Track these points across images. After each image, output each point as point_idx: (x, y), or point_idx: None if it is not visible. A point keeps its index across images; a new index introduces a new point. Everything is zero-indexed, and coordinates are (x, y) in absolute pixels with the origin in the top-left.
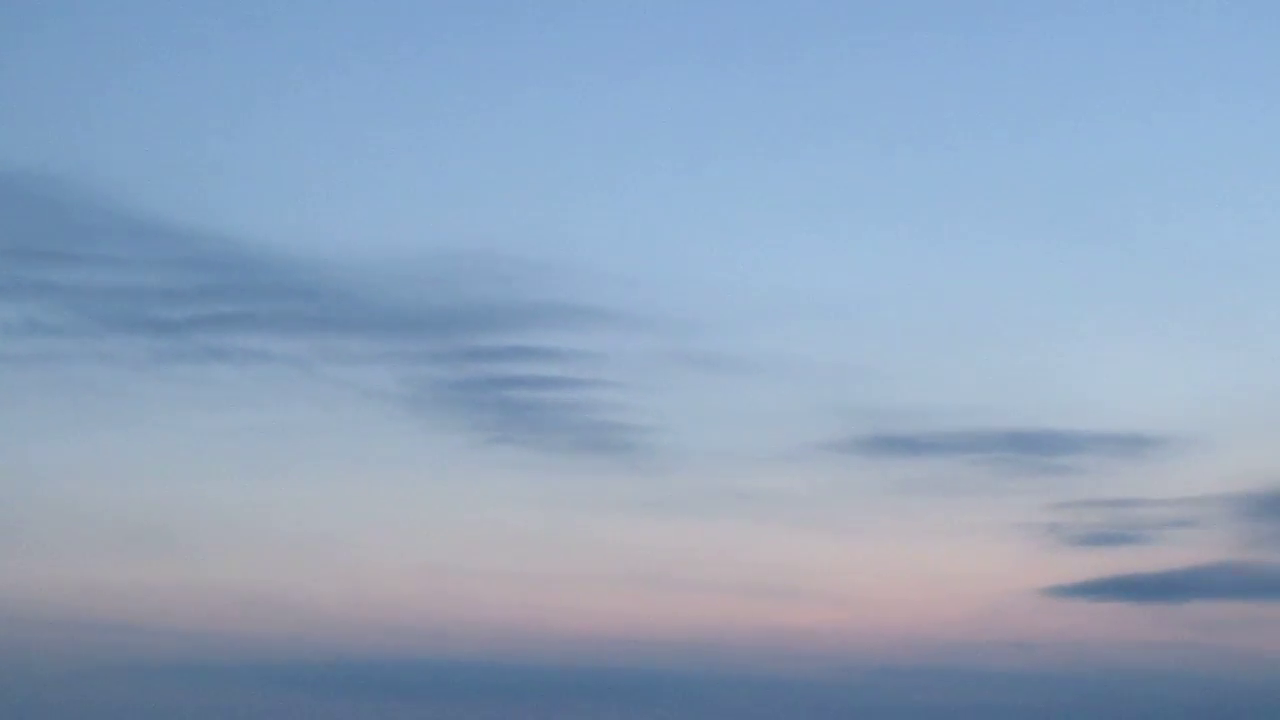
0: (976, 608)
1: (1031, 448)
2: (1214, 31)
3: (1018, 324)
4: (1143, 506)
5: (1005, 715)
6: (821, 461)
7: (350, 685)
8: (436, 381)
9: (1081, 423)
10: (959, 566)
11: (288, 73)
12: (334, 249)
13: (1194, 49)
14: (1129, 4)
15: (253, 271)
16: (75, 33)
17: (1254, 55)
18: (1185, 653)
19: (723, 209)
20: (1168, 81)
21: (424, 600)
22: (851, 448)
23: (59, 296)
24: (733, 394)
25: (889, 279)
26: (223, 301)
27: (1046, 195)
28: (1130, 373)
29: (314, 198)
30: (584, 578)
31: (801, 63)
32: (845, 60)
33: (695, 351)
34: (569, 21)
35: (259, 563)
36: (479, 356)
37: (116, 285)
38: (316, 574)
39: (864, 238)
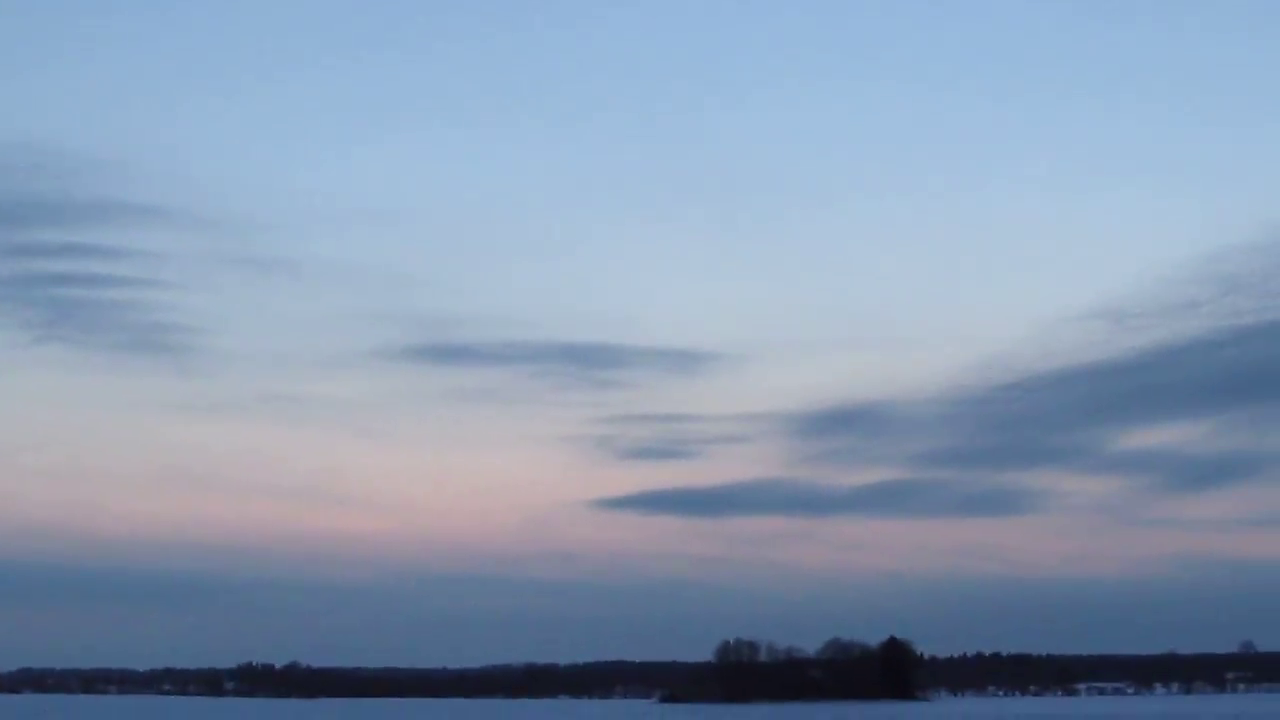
0: (525, 518)
1: (584, 360)
2: None
3: (575, 238)
4: (692, 422)
5: (551, 623)
6: (374, 368)
7: None
8: None
9: (634, 338)
10: (509, 477)
11: None
12: None
13: None
14: None
15: None
16: None
17: None
18: (728, 566)
19: (284, 115)
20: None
21: None
22: (404, 356)
23: None
24: (287, 298)
25: (451, 189)
26: None
27: (605, 105)
28: (683, 290)
29: None
30: (129, 478)
31: None
32: None
33: (251, 254)
34: None
35: None
36: (29, 252)
37: None
38: None
39: (425, 146)
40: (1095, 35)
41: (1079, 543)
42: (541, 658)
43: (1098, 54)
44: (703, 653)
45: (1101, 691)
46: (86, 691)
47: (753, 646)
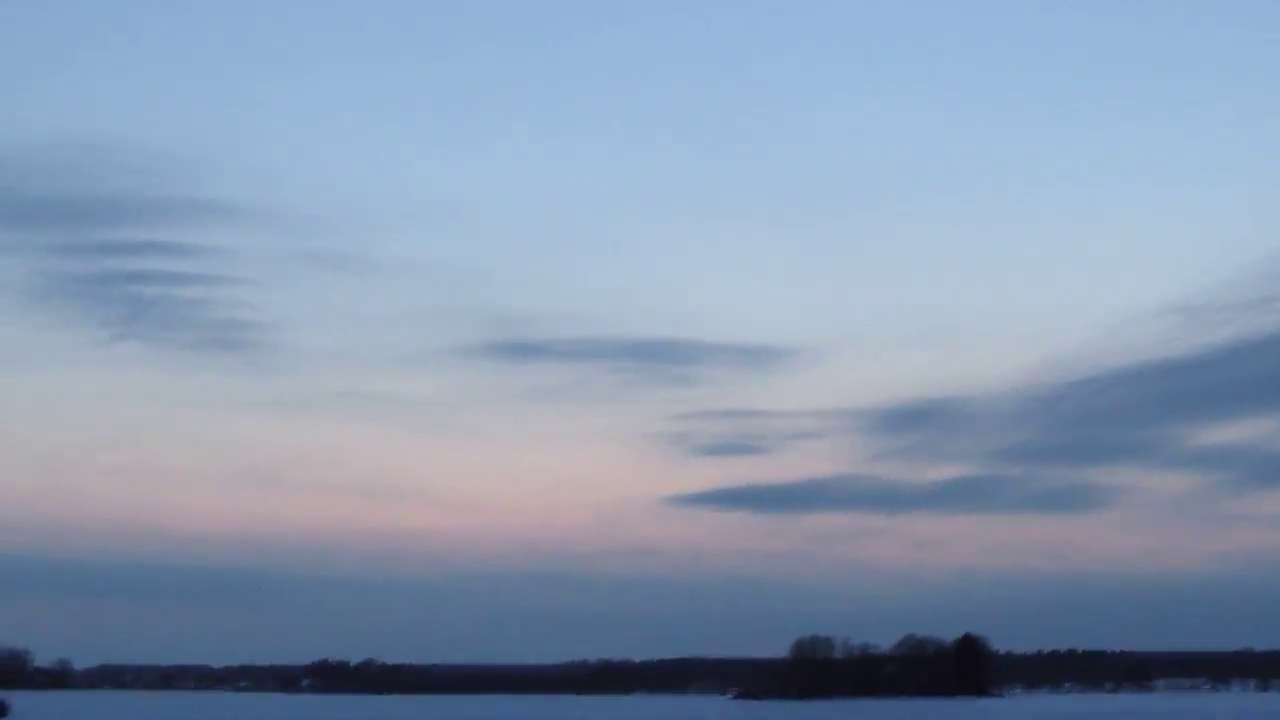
0: (599, 514)
1: (659, 357)
2: None
3: (650, 235)
4: (766, 418)
5: (625, 620)
6: (447, 366)
7: None
8: (63, 275)
9: (709, 334)
10: (583, 473)
11: None
12: None
13: None
14: None
15: None
16: None
17: None
18: (803, 562)
19: (360, 113)
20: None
21: (39, 496)
22: (478, 353)
23: None
24: (361, 296)
25: (525, 186)
26: None
27: (678, 103)
28: (758, 287)
29: None
30: (204, 475)
31: None
32: None
33: (326, 252)
34: None
35: None
36: (108, 250)
37: None
38: None
39: (500, 143)
40: (1162, 31)
41: (1154, 539)
42: (616, 654)
43: (1166, 49)
44: (777, 649)
45: (1177, 688)
46: (164, 688)
47: (827, 643)
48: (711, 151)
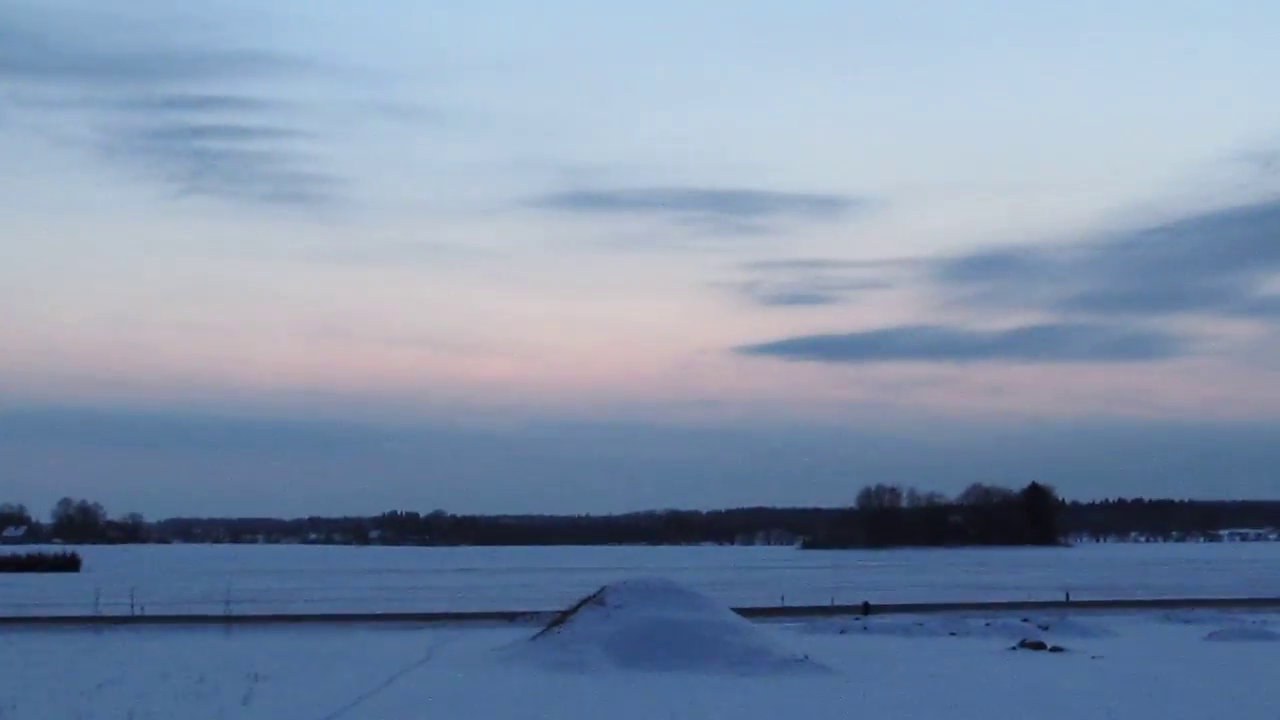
0: (668, 365)
1: (726, 207)
2: None
3: (715, 83)
4: (834, 267)
5: (693, 470)
6: (515, 217)
7: (38, 433)
8: (130, 129)
9: (776, 184)
10: (651, 324)
11: None
12: None
13: None
14: None
15: None
16: None
17: None
18: (870, 412)
19: None
20: None
21: (109, 351)
22: (546, 203)
23: None
24: (429, 147)
25: (592, 35)
26: None
27: None
28: (825, 135)
29: None
30: (272, 328)
31: None
32: None
33: (392, 103)
34: None
35: None
36: (175, 105)
37: None
38: (4, 323)
39: None
40: None
41: (1223, 388)
42: (684, 505)
43: None
44: (845, 499)
45: (1244, 538)
46: (233, 541)
47: (894, 492)
48: (787, 2)
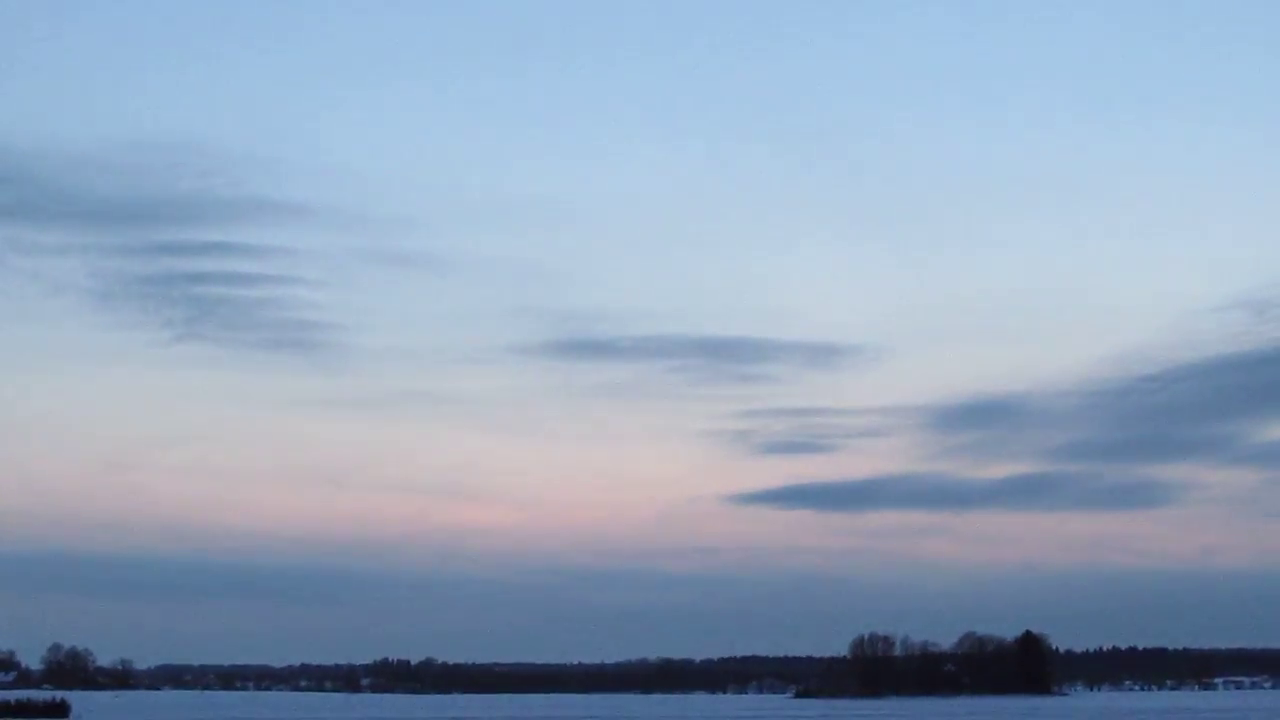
0: (662, 512)
1: (723, 355)
2: None
3: (714, 231)
4: (830, 415)
5: (686, 618)
6: (512, 364)
7: (29, 578)
8: (128, 275)
9: (773, 331)
10: (646, 471)
11: None
12: (31, 137)
13: None
14: None
15: None
16: None
17: None
18: (865, 560)
19: (422, 113)
20: None
21: (103, 495)
22: (543, 351)
23: None
24: (427, 295)
25: (588, 185)
26: None
27: (747, 103)
28: (822, 283)
29: (13, 85)
30: (267, 475)
31: None
32: None
33: (391, 250)
34: None
35: None
36: (173, 251)
37: None
38: None
39: (565, 143)
40: (1228, 40)
41: (1217, 536)
42: (677, 653)
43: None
44: (838, 647)
45: (1239, 685)
46: (225, 688)
47: (888, 641)
48: (775, 149)
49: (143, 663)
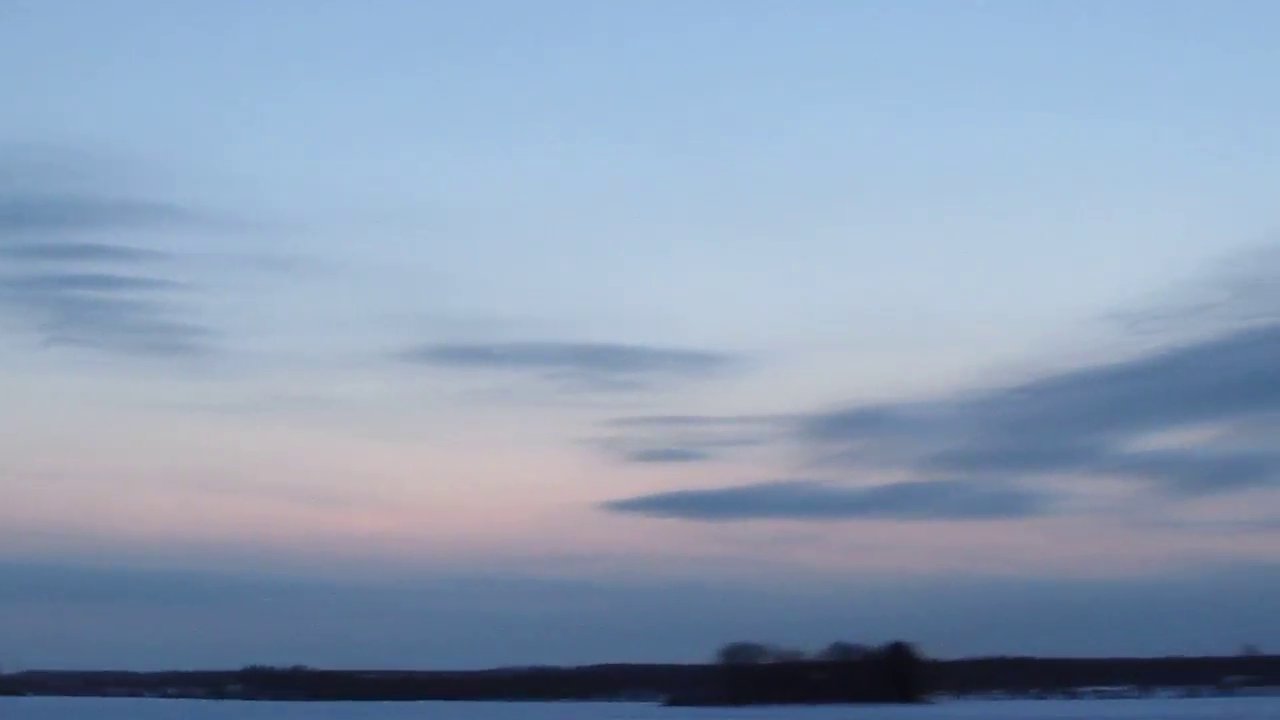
0: (534, 520)
1: (596, 362)
2: None
3: (591, 238)
4: (702, 424)
5: (556, 625)
6: (388, 369)
7: None
8: None
9: (646, 340)
10: (519, 478)
11: None
12: None
13: None
14: None
15: None
16: None
17: None
18: (735, 568)
19: (305, 118)
20: None
21: None
22: (418, 356)
23: None
24: (303, 299)
25: (463, 190)
26: None
27: (626, 107)
28: (697, 290)
29: None
30: (140, 479)
31: None
32: None
33: (266, 254)
34: None
35: None
36: (41, 254)
37: None
38: None
39: (440, 147)
40: (1102, 44)
41: (1085, 545)
42: (547, 660)
43: (1107, 62)
44: (708, 656)
45: (1103, 695)
46: (90, 694)
47: (757, 649)
48: (649, 155)
49: (7, 668)
